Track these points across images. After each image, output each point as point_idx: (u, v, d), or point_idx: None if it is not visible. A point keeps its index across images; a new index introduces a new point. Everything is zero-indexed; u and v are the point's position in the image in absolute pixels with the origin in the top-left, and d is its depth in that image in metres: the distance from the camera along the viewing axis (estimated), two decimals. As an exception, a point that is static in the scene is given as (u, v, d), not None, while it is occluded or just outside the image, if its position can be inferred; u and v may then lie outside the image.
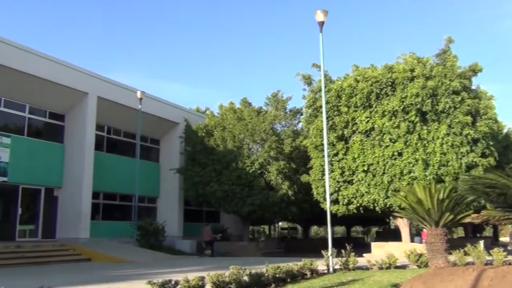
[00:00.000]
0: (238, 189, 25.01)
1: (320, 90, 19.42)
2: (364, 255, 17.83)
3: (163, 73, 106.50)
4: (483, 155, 19.23)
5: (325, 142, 14.60)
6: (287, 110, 27.10)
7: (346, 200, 20.19)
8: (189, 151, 27.19)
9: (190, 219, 29.05)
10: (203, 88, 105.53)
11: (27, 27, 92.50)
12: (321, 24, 14.09)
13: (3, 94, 19.75)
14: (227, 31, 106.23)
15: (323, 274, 11.69)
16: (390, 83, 19.71)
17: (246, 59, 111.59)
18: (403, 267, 13.12)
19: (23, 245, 17.90)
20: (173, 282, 7.56)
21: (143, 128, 24.51)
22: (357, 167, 19.94)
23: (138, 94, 23.39)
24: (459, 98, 19.24)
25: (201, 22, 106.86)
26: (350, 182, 20.26)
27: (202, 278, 7.96)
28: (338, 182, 20.28)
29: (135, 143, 24.88)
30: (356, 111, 20.27)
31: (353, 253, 12.79)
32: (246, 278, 8.72)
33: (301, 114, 26.07)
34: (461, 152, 18.69)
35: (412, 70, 19.82)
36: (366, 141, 20.00)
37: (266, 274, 9.38)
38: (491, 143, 19.85)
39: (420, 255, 13.15)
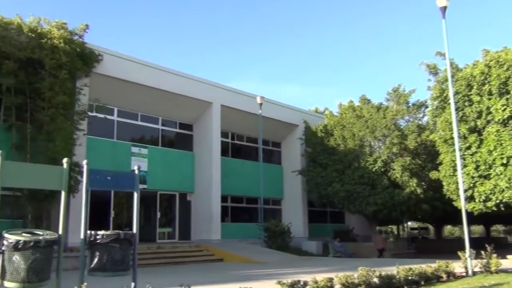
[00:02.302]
0: (360, 189, 24.47)
1: (446, 80, 18.16)
2: (508, 256, 16.18)
3: (280, 77, 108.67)
4: None
5: (455, 135, 13.60)
6: (410, 104, 25.76)
7: (483, 197, 18.53)
8: (309, 152, 27.28)
9: (314, 220, 29.12)
10: (321, 88, 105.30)
11: (152, 45, 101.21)
12: (444, 9, 13.20)
13: (139, 109, 21.85)
14: (338, 30, 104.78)
15: (461, 277, 10.87)
16: (529, 66, 17.71)
17: (363, 56, 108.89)
18: (557, 270, 11.65)
19: (163, 246, 19.45)
20: (301, 283, 7.63)
21: (264, 132, 25.18)
22: (494, 160, 18.21)
23: (258, 100, 24.11)
24: None
25: (310, 24, 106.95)
26: (487, 177, 18.56)
27: (331, 279, 7.94)
28: (473, 177, 18.73)
29: (257, 147, 25.71)
30: (490, 99, 18.56)
31: (495, 254, 11.69)
32: (376, 280, 8.49)
33: (426, 107, 24.62)
34: None
35: (555, 49, 17.59)
36: (503, 131, 18.17)
37: (397, 276, 9.03)
38: None
39: None
